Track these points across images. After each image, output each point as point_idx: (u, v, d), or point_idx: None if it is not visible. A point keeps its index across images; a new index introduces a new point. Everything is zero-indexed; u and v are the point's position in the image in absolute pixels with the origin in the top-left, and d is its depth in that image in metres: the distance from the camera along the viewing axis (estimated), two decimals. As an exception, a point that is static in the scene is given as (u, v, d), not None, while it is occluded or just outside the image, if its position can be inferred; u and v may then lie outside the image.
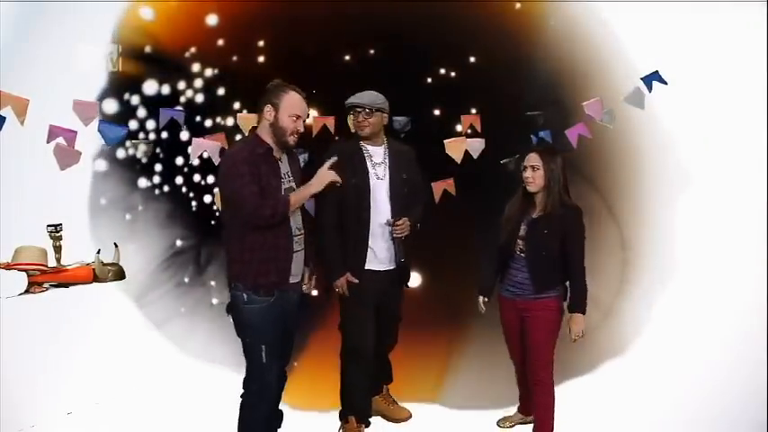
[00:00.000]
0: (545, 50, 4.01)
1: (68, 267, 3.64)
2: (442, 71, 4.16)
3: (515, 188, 2.94)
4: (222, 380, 3.39)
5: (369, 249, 2.95)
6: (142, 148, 3.85)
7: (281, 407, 2.86)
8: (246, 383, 2.66)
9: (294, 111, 2.52)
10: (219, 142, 3.45)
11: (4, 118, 2.98)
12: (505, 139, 3.65)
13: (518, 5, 4.09)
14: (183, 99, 4.03)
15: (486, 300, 3.06)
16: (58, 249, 3.62)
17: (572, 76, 3.98)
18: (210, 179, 4.06)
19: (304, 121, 2.58)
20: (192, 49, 4.03)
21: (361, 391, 3.10)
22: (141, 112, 3.98)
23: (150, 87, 3.98)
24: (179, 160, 4.08)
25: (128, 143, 3.86)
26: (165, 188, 4.11)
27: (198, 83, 4.07)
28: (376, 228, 2.94)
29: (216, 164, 3.39)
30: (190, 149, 3.50)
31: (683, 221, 4.02)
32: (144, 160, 3.99)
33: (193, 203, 4.16)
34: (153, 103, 3.93)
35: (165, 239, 4.13)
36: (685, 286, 3.99)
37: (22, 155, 3.51)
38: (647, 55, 3.75)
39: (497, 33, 4.01)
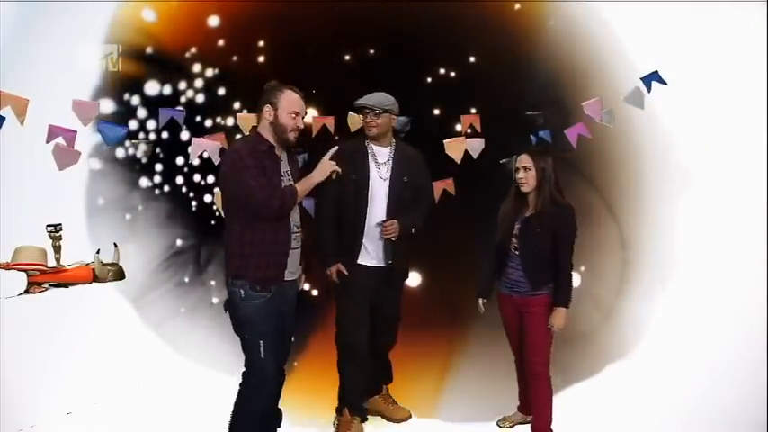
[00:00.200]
0: (545, 50, 4.01)
1: (68, 267, 3.63)
2: (442, 71, 4.17)
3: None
4: (222, 379, 3.38)
5: (362, 245, 3.01)
6: (142, 147, 3.85)
7: (280, 406, 2.87)
8: (245, 377, 2.68)
9: (293, 108, 2.59)
10: (219, 142, 3.45)
11: (4, 118, 2.98)
12: (505, 139, 3.65)
13: (517, 6, 4.09)
14: (183, 99, 4.04)
15: (484, 301, 3.11)
16: (57, 249, 3.62)
17: (572, 76, 3.99)
18: (210, 179, 4.06)
19: (303, 118, 2.65)
20: (193, 50, 4.03)
21: (355, 386, 3.14)
22: (141, 113, 3.99)
23: (150, 87, 3.98)
24: (179, 160, 4.09)
25: (127, 143, 3.86)
26: (165, 188, 4.11)
27: (198, 83, 4.07)
28: (371, 225, 3.00)
29: (216, 164, 3.39)
30: (190, 149, 3.50)
31: (682, 221, 4.02)
32: (144, 160, 4.00)
33: (193, 203, 4.16)
34: (153, 104, 3.93)
35: (164, 239, 4.13)
36: (685, 286, 3.99)
37: (21, 155, 3.51)
38: (647, 55, 3.76)
39: (497, 33, 4.01)
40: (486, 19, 4.01)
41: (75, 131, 3.13)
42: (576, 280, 4.09)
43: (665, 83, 3.47)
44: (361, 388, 3.20)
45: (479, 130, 3.71)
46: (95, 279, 3.65)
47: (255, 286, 2.57)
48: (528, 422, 3.12)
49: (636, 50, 3.89)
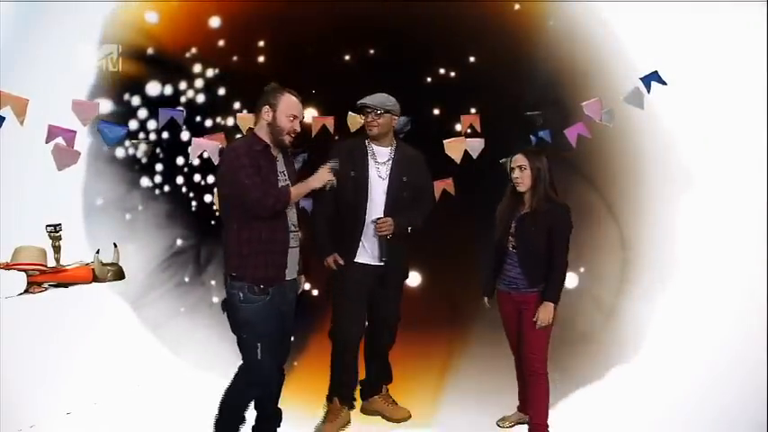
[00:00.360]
0: (545, 50, 4.01)
1: (68, 267, 3.64)
2: (442, 71, 4.17)
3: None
4: (222, 379, 3.38)
5: (361, 242, 3.04)
6: (142, 147, 3.85)
7: (280, 406, 2.87)
8: (241, 373, 2.70)
9: (291, 111, 2.62)
10: (219, 142, 3.45)
11: (4, 118, 2.98)
12: (505, 139, 3.64)
13: (517, 6, 4.09)
14: (183, 99, 4.04)
15: (489, 299, 3.16)
16: (57, 249, 3.62)
17: (572, 76, 3.99)
18: (210, 179, 4.07)
19: (300, 122, 2.68)
20: (193, 50, 4.03)
21: (345, 377, 3.21)
22: (142, 113, 3.99)
23: (150, 88, 3.98)
24: (179, 160, 4.09)
25: (127, 143, 3.87)
26: (165, 188, 4.11)
27: (198, 83, 4.07)
28: (369, 223, 3.03)
29: (216, 164, 3.39)
30: (190, 149, 3.50)
31: (683, 221, 4.02)
32: (144, 160, 4.00)
33: (193, 203, 4.16)
34: (153, 104, 3.93)
35: (164, 239, 4.13)
36: (685, 286, 3.99)
37: (21, 155, 3.51)
38: (647, 55, 3.75)
39: (497, 33, 4.01)
40: (486, 19, 4.01)
41: (75, 131, 3.13)
42: (575, 280, 4.11)
43: (664, 83, 3.47)
44: (351, 379, 3.25)
45: (479, 130, 3.71)
46: (95, 279, 3.66)
47: (254, 288, 2.57)
48: (527, 422, 3.12)
49: (636, 50, 3.89)
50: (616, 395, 3.56)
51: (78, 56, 3.64)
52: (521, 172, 2.90)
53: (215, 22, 4.02)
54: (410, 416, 3.34)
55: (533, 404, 3.02)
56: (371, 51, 4.13)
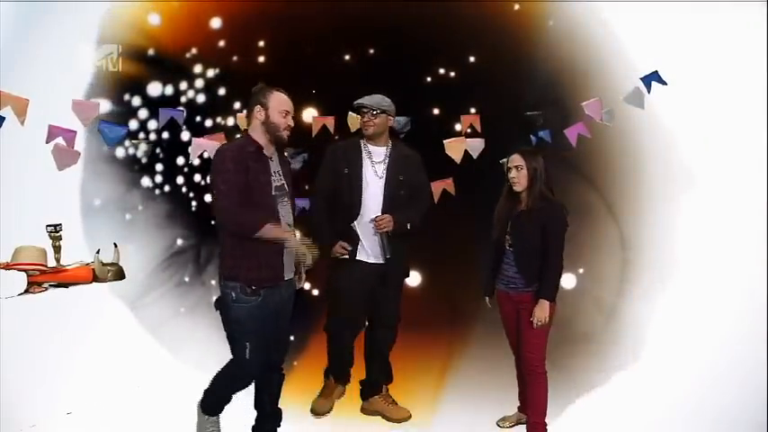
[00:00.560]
0: (545, 50, 4.01)
1: (68, 267, 3.63)
2: (442, 71, 4.17)
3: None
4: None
5: (360, 241, 3.07)
6: (142, 147, 3.85)
7: (280, 406, 2.87)
8: (231, 365, 2.73)
9: (283, 107, 2.65)
10: (219, 142, 3.45)
11: (4, 118, 2.98)
12: (505, 139, 3.65)
13: (517, 6, 4.09)
14: (183, 99, 4.04)
15: (490, 299, 3.17)
16: (57, 249, 3.62)
17: (572, 76, 3.98)
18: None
19: (293, 117, 2.70)
20: (193, 50, 4.03)
21: (340, 362, 3.30)
22: (142, 113, 3.99)
23: (150, 88, 3.98)
24: (179, 160, 4.09)
25: (127, 143, 3.87)
26: (165, 188, 4.11)
27: (198, 83, 4.07)
28: (366, 222, 3.05)
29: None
30: (190, 149, 3.50)
31: (683, 221, 4.02)
32: (144, 160, 4.00)
33: (193, 203, 4.16)
34: (153, 104, 3.93)
35: (164, 239, 4.14)
36: (685, 286, 3.99)
37: (21, 155, 3.51)
38: (647, 55, 3.76)
39: (497, 33, 4.01)
40: (486, 19, 4.01)
41: (75, 131, 3.13)
42: (573, 281, 4.12)
43: (664, 83, 3.48)
44: (347, 362, 3.32)
45: (479, 129, 3.72)
46: (95, 279, 3.65)
47: (246, 289, 2.58)
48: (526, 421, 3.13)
49: (636, 50, 3.88)
50: (616, 395, 3.56)
51: (78, 56, 3.64)
52: (517, 172, 2.92)
53: (215, 22, 4.02)
54: (410, 416, 3.33)
55: (532, 402, 3.04)
56: (371, 51, 4.13)
